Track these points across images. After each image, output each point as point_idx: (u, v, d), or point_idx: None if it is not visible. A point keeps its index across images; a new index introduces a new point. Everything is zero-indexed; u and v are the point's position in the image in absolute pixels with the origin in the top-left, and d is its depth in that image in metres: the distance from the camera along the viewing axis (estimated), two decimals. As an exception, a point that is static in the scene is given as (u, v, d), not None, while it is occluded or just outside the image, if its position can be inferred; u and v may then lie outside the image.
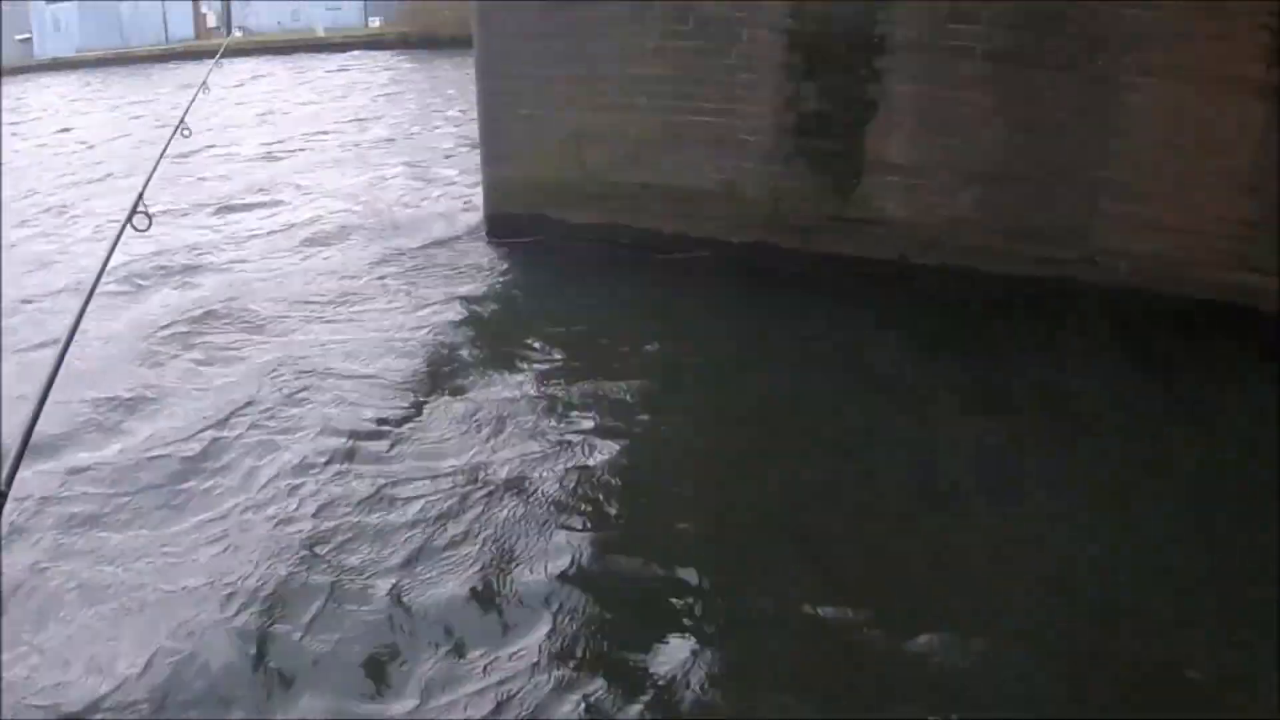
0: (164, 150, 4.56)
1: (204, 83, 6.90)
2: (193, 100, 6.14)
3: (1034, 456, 5.04)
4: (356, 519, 4.51)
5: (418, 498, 4.65)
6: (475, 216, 9.10)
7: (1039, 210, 6.75)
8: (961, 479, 4.83)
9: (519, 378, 5.97)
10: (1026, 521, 4.50)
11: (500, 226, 8.53)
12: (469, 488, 4.72)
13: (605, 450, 5.07)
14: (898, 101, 6.95)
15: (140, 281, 7.95)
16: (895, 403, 5.66)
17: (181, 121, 5.34)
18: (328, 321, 7.02)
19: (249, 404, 5.68)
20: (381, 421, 5.44)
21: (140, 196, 3.44)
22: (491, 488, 4.72)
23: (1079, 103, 6.50)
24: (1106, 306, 6.51)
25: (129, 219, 3.30)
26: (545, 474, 4.85)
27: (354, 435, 5.26)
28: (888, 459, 5.07)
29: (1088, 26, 6.37)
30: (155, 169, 4.11)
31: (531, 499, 4.64)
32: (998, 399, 5.72)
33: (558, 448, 5.11)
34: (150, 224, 3.36)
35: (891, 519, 4.54)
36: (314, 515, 4.54)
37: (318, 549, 4.30)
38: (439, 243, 8.77)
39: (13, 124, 18.08)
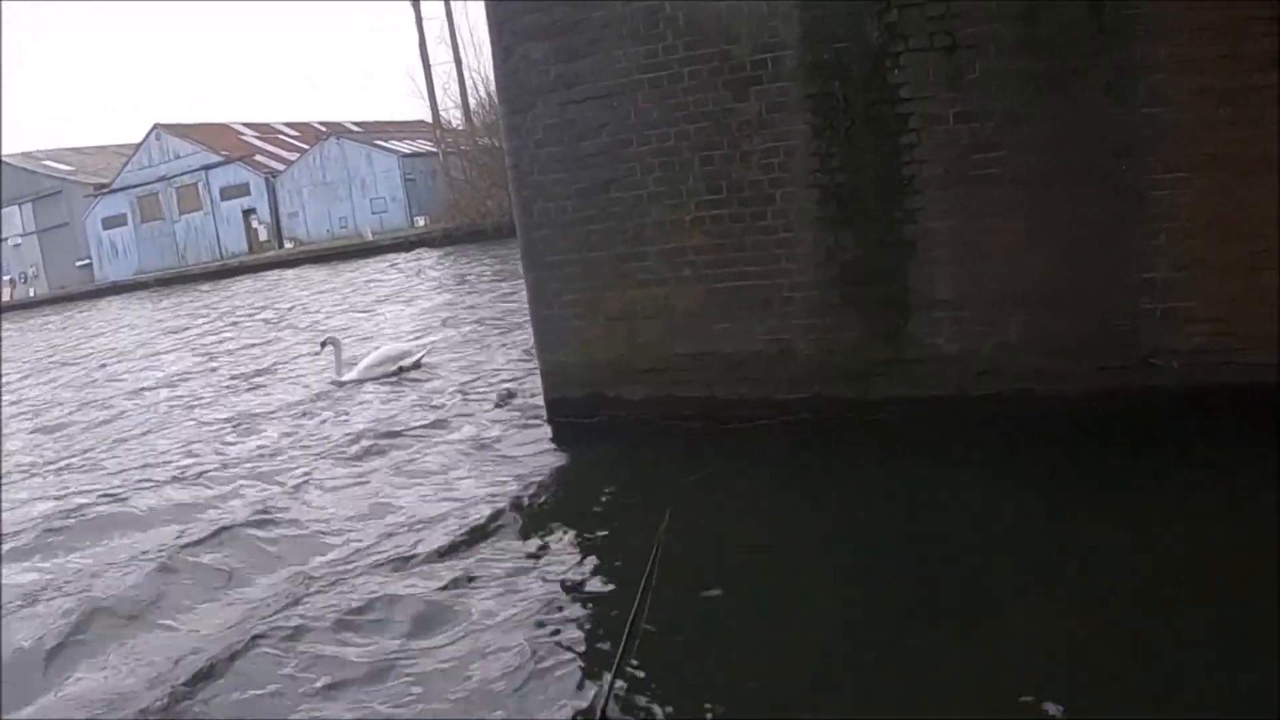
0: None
1: None
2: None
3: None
4: None
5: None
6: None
7: (1087, 322, 6.74)
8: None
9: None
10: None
11: (560, 410, 8.65)
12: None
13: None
14: (935, 237, 7.03)
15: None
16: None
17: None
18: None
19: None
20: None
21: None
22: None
23: (1111, 211, 6.56)
24: (1180, 407, 6.40)
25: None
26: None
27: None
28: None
29: (1108, 136, 6.49)
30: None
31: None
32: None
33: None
34: None
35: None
36: None
37: None
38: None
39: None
